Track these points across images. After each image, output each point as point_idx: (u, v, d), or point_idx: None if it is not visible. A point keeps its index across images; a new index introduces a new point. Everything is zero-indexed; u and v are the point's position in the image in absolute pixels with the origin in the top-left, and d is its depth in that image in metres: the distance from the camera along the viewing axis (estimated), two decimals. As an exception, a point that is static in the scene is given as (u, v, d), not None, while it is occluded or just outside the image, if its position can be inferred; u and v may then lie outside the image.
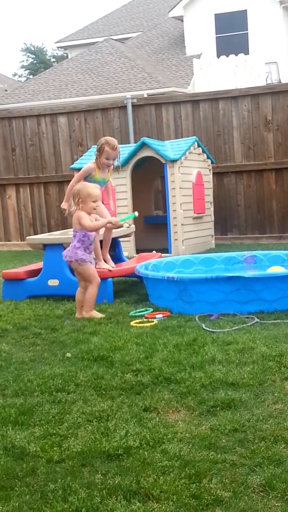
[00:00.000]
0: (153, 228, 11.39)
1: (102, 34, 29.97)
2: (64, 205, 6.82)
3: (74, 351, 4.62)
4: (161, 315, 5.58)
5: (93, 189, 5.83)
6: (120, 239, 7.68)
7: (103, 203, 6.93)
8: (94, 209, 5.82)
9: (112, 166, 6.83)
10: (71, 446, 3.00)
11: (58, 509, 2.47)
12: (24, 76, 49.82)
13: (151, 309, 5.84)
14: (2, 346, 4.95)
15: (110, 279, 6.47)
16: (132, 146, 10.42)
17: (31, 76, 44.49)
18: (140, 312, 5.79)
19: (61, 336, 5.16)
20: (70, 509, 2.46)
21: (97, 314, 5.72)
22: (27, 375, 4.11)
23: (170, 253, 9.73)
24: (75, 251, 5.78)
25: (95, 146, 11.30)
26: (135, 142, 11.52)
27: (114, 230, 6.90)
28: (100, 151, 6.61)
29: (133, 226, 8.14)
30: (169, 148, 10.25)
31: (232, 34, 24.57)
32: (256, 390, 3.60)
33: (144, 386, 3.78)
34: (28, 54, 51.43)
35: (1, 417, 3.41)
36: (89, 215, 5.79)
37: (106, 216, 6.48)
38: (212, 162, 11.11)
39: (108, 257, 6.75)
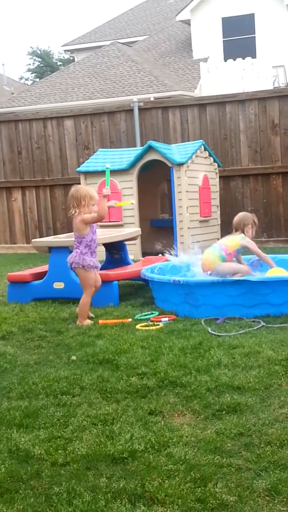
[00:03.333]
0: (159, 231, 11.37)
1: (109, 37, 30.00)
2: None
3: (79, 354, 4.61)
4: (166, 319, 5.57)
5: (94, 191, 5.92)
6: (126, 242, 7.68)
7: None
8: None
9: None
10: (76, 449, 2.99)
11: (63, 512, 2.46)
12: (31, 80, 49.93)
13: (157, 313, 5.83)
14: (7, 348, 4.95)
15: (115, 282, 6.46)
16: (138, 150, 10.42)
17: (37, 80, 44.59)
18: (145, 315, 5.78)
19: (66, 339, 5.15)
20: (75, 513, 2.45)
21: (89, 323, 5.69)
22: (32, 378, 4.11)
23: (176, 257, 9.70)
24: (82, 257, 5.80)
25: (102, 149, 11.35)
26: (142, 145, 11.51)
27: (119, 234, 6.88)
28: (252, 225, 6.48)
29: (139, 229, 8.14)
30: (176, 151, 10.24)
31: (239, 38, 24.54)
32: (262, 394, 3.59)
33: (150, 390, 3.77)
34: (34, 57, 51.55)
35: (6, 420, 3.41)
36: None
37: None
38: (218, 166, 11.09)
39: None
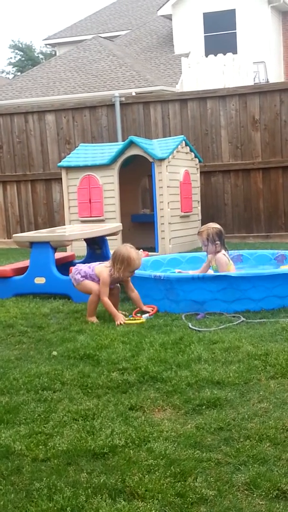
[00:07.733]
0: (140, 227, 11.38)
1: (91, 31, 29.92)
2: None
3: (60, 349, 4.61)
4: (147, 314, 5.58)
5: (139, 261, 5.58)
6: (107, 237, 7.68)
7: None
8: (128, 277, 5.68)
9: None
10: (57, 445, 3.00)
11: (43, 508, 2.46)
12: (12, 73, 49.63)
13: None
14: (-12, 344, 4.94)
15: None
16: (120, 145, 10.42)
17: (18, 73, 44.33)
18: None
19: (48, 334, 5.15)
20: (55, 508, 2.46)
21: (94, 320, 5.63)
22: (12, 373, 4.10)
23: (157, 252, 9.74)
24: (77, 274, 5.73)
25: (83, 144, 11.32)
26: (123, 140, 11.51)
27: (100, 229, 6.88)
28: None
29: (120, 224, 8.14)
30: (157, 146, 10.25)
31: (220, 33, 24.59)
32: (241, 389, 3.61)
33: (130, 385, 3.78)
34: (16, 51, 51.20)
35: (-14, 415, 3.40)
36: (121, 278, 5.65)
37: None
38: (199, 161, 11.13)
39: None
